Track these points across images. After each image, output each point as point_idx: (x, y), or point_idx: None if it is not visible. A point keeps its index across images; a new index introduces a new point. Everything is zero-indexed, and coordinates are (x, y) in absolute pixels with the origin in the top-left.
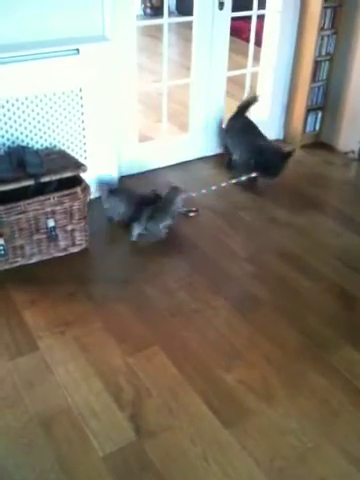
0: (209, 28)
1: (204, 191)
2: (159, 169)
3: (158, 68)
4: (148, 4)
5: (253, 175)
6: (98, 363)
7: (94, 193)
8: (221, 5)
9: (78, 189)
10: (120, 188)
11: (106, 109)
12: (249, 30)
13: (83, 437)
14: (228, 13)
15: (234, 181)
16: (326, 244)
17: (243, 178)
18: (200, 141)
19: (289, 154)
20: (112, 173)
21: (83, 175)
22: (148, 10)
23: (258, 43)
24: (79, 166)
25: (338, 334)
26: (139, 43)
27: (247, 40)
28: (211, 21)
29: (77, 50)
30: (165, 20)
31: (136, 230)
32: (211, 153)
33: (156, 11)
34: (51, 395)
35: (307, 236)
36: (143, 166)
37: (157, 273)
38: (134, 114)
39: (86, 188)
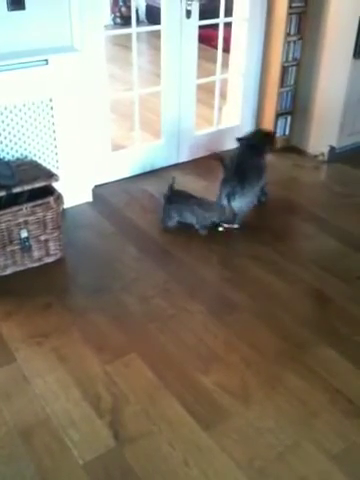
0: (177, 36)
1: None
2: (133, 177)
3: (129, 77)
4: (118, 14)
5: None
6: (76, 373)
7: (71, 202)
8: (188, 13)
9: (51, 199)
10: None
11: (77, 119)
12: (224, 38)
13: (63, 446)
14: (195, 21)
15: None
16: (300, 247)
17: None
18: (173, 148)
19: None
20: (86, 183)
21: (56, 185)
22: (118, 19)
23: (227, 50)
24: (51, 176)
25: (314, 334)
26: (110, 53)
27: (216, 47)
28: (179, 29)
29: (46, 61)
30: (133, 29)
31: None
32: (184, 160)
33: (126, 20)
34: (29, 406)
35: (281, 239)
36: (117, 175)
37: (134, 281)
38: (106, 123)
39: (59, 198)
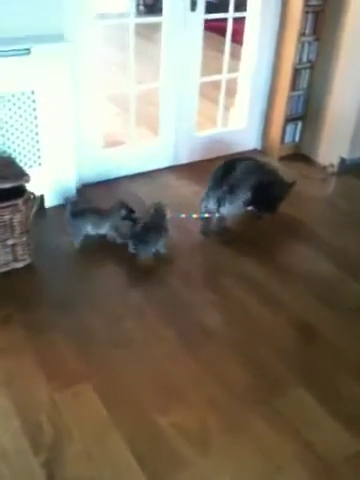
0: (180, 30)
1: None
2: (124, 178)
3: (144, 68)
4: (142, 1)
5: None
6: (20, 398)
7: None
8: (194, 5)
9: (19, 201)
10: (82, 207)
11: (63, 113)
12: (237, 30)
13: None
14: (201, 14)
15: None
16: (292, 269)
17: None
18: (170, 149)
19: (291, 185)
20: (70, 182)
21: (36, 183)
22: (141, 8)
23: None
24: (21, 176)
25: (292, 373)
26: (126, 43)
27: (235, 41)
28: (183, 22)
29: (28, 50)
30: (131, 20)
31: (144, 252)
32: (182, 162)
33: (150, 9)
34: None
35: (274, 261)
36: (107, 174)
37: (105, 298)
38: (99, 118)
39: (29, 200)
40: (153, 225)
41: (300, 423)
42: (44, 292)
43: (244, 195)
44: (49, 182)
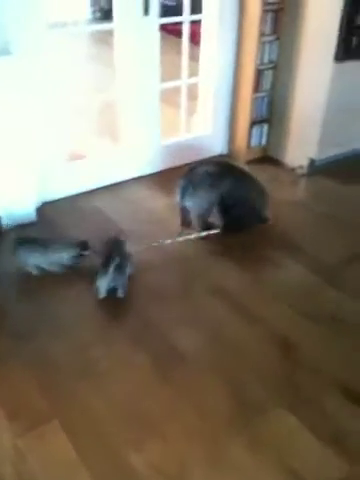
0: (134, 36)
1: (156, 244)
2: (87, 192)
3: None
4: (97, 7)
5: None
6: None
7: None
8: (146, 10)
9: None
10: (28, 237)
11: (16, 131)
12: (197, 32)
13: None
14: (155, 18)
15: (192, 236)
16: (269, 280)
17: (203, 234)
18: (135, 159)
19: (265, 221)
20: (28, 201)
21: None
22: (98, 14)
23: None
24: None
25: (273, 394)
26: (89, 51)
27: (196, 43)
28: (136, 28)
29: None
30: (83, 28)
31: (103, 285)
32: (147, 172)
33: (106, 14)
34: None
35: (247, 270)
36: (68, 190)
37: (69, 325)
38: (59, 132)
39: None
40: (120, 261)
41: (284, 448)
42: (1, 321)
43: (207, 193)
44: (6, 202)
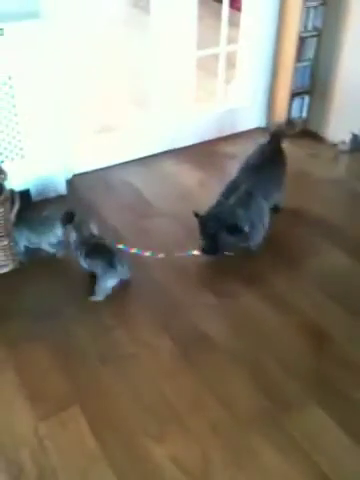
0: None
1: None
2: (118, 165)
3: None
4: None
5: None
6: (1, 431)
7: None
8: None
9: None
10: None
11: (45, 99)
12: None
13: None
14: None
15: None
16: (304, 265)
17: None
18: (168, 131)
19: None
20: (57, 173)
21: (18, 178)
22: None
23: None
24: None
25: (304, 388)
26: (125, 16)
27: (236, 8)
28: None
29: (1, 30)
30: None
31: (110, 282)
32: (181, 145)
33: None
34: None
35: (280, 255)
36: (100, 162)
37: (92, 306)
38: (87, 101)
39: (6, 200)
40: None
41: (313, 448)
42: (25, 300)
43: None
44: (34, 175)
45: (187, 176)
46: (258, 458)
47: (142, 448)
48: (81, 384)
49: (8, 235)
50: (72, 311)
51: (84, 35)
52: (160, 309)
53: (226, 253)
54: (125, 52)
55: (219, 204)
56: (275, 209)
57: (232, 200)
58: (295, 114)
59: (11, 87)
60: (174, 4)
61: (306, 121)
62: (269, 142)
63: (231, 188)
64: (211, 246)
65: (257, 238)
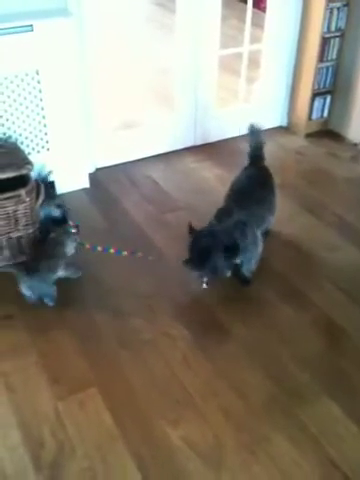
0: None
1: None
2: (140, 160)
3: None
4: None
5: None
6: (22, 409)
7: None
8: None
9: (22, 191)
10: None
11: (71, 93)
12: None
13: None
14: None
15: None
16: (318, 260)
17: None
18: (188, 128)
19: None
20: (81, 166)
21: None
22: None
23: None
24: (23, 165)
25: (317, 380)
26: (146, 14)
27: (261, 9)
28: None
29: (31, 26)
30: None
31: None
32: (200, 142)
33: None
34: None
35: (296, 249)
36: (122, 157)
37: (111, 292)
38: (112, 97)
39: (33, 190)
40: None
41: (325, 439)
42: None
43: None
44: (59, 167)
45: (208, 173)
46: (269, 445)
47: (158, 429)
48: (100, 368)
49: (33, 224)
50: (93, 298)
51: (110, 32)
52: (177, 299)
53: (204, 280)
54: (149, 50)
55: (213, 226)
56: (266, 234)
57: (228, 224)
58: (316, 114)
59: (39, 81)
60: (200, 3)
61: (327, 121)
62: (251, 164)
63: (223, 215)
64: (198, 260)
65: (250, 266)
